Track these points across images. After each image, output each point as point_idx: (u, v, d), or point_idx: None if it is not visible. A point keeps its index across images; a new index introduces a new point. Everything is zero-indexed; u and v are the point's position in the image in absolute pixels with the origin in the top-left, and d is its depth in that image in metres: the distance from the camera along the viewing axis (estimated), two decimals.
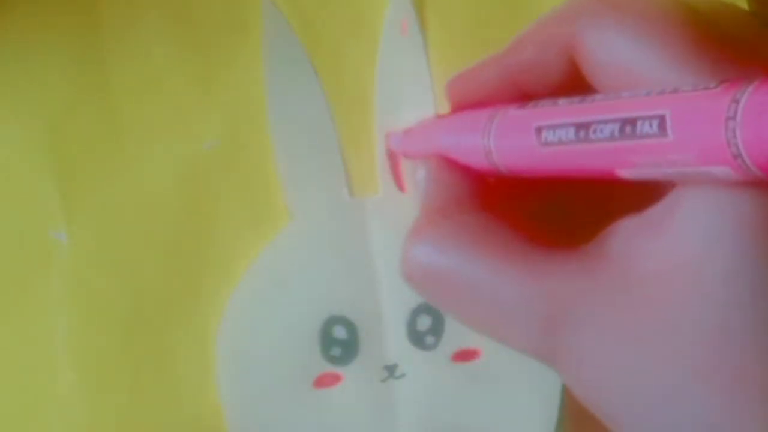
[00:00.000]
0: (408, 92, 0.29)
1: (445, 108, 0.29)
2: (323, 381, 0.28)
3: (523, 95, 0.24)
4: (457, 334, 0.28)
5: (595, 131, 0.21)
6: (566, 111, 0.22)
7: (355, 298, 0.28)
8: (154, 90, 0.28)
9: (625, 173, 0.21)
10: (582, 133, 0.21)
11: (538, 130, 0.22)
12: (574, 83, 0.23)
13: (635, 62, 0.21)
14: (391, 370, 0.28)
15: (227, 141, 0.28)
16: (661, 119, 0.19)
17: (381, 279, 0.28)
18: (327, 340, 0.28)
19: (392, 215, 0.28)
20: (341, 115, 0.28)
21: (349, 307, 0.28)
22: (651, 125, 0.20)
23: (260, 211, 0.28)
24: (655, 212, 0.21)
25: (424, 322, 0.28)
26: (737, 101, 0.18)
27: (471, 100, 0.25)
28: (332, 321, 0.28)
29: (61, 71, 0.28)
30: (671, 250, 0.20)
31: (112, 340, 0.27)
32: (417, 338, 0.28)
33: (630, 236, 0.21)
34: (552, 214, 0.24)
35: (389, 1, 0.29)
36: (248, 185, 0.28)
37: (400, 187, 0.29)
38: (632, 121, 0.20)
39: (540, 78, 0.24)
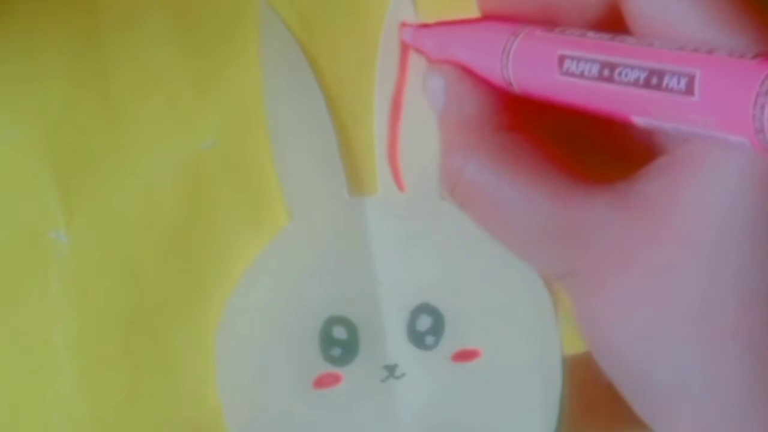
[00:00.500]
0: (408, 91, 0.29)
1: None
2: (323, 381, 0.28)
3: (556, 23, 0.24)
4: (457, 335, 0.28)
5: (620, 73, 0.21)
6: (594, 45, 0.22)
7: (355, 298, 0.28)
8: (154, 90, 0.28)
9: (641, 121, 0.21)
10: (606, 72, 0.21)
11: (561, 58, 0.22)
12: (611, 23, 0.23)
13: (677, 12, 0.21)
14: (391, 370, 0.28)
15: (226, 141, 0.28)
16: (690, 78, 0.19)
17: (381, 279, 0.28)
18: (327, 341, 0.28)
19: (392, 214, 0.28)
20: (340, 113, 0.28)
21: (349, 307, 0.28)
22: (679, 81, 0.20)
23: (260, 210, 0.28)
24: (682, 156, 0.22)
25: (424, 322, 0.28)
26: None
27: (499, 14, 0.26)
28: (332, 321, 0.28)
29: (61, 71, 0.28)
30: (695, 198, 0.21)
31: (112, 340, 0.27)
32: (417, 338, 0.28)
33: (658, 177, 0.22)
34: (574, 141, 0.24)
35: (390, 1, 0.29)
36: (248, 185, 0.28)
37: (399, 186, 0.28)
38: (660, 73, 0.20)
39: (577, 10, 0.24)
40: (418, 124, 0.28)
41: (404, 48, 0.28)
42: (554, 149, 0.24)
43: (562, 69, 0.22)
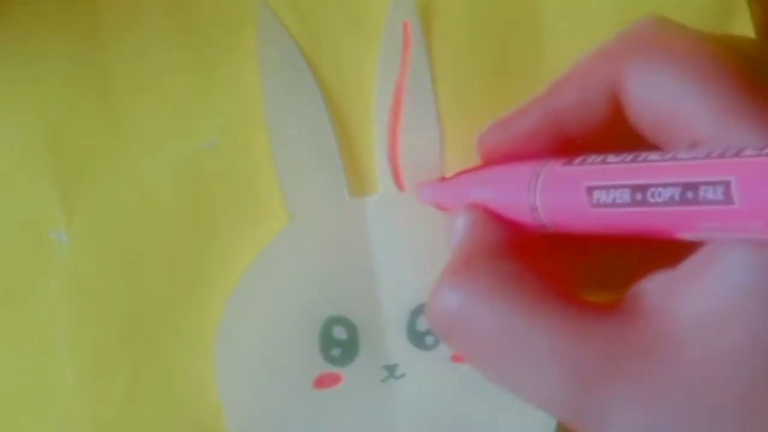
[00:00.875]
0: (408, 91, 0.29)
1: (446, 107, 0.29)
2: (323, 381, 0.28)
3: (565, 140, 0.24)
4: None
5: (653, 195, 0.20)
6: (619, 171, 0.21)
7: (355, 299, 0.28)
8: (153, 90, 0.28)
9: (687, 236, 0.21)
10: (639, 196, 0.20)
11: (589, 190, 0.22)
12: (618, 126, 0.22)
13: (681, 108, 0.21)
14: (391, 370, 0.28)
15: (226, 141, 0.28)
16: (727, 185, 0.19)
17: (381, 279, 0.28)
18: (327, 341, 0.28)
19: (392, 214, 0.28)
20: (340, 113, 0.28)
21: (349, 307, 0.28)
22: (715, 191, 0.19)
23: (259, 210, 0.28)
24: (689, 266, 0.21)
25: (424, 322, 0.28)
26: None
27: (508, 149, 0.25)
28: (332, 321, 0.28)
29: (61, 72, 0.28)
30: (706, 305, 0.20)
31: (112, 340, 0.27)
32: (417, 338, 0.28)
33: (664, 291, 0.21)
34: (582, 265, 0.24)
35: (391, 1, 0.29)
36: (247, 185, 0.28)
37: (399, 186, 0.28)
38: (694, 186, 0.19)
39: (584, 120, 0.23)
40: (419, 124, 0.28)
41: (405, 48, 0.28)
42: (560, 274, 0.23)
43: (592, 201, 0.22)
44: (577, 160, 0.23)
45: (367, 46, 0.29)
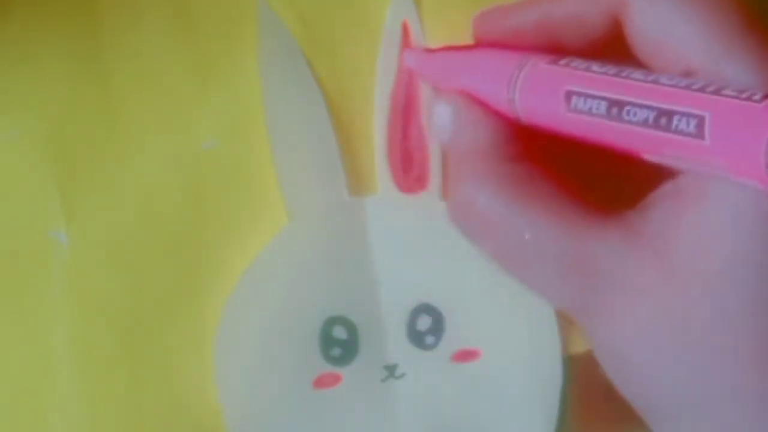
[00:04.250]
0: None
1: None
2: (323, 381, 0.28)
3: (557, 45, 0.24)
4: (457, 335, 0.28)
5: (628, 113, 0.21)
6: (600, 82, 0.22)
7: (354, 298, 0.28)
8: (153, 90, 0.28)
9: (653, 158, 0.21)
10: (614, 111, 0.21)
11: (568, 94, 0.22)
12: (614, 44, 0.23)
13: (681, 36, 0.21)
14: (391, 370, 0.28)
15: (226, 141, 0.28)
16: (700, 120, 0.19)
17: (381, 278, 0.28)
18: (327, 341, 0.28)
19: (392, 214, 0.28)
20: (340, 113, 0.28)
21: (348, 307, 0.28)
22: (688, 123, 0.20)
23: (259, 210, 0.28)
24: (689, 183, 0.21)
25: (424, 322, 0.28)
26: None
27: (498, 38, 0.25)
28: (332, 321, 0.28)
29: (61, 72, 0.28)
30: (705, 226, 0.21)
31: (112, 340, 0.27)
32: (417, 338, 0.28)
33: (666, 206, 0.22)
34: (583, 170, 0.24)
35: (391, 1, 0.29)
36: (247, 185, 0.28)
37: (399, 186, 0.28)
38: (669, 114, 0.20)
39: (579, 32, 0.24)
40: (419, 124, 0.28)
41: (405, 47, 0.28)
42: (564, 180, 0.24)
43: (569, 105, 0.22)
44: (562, 61, 0.23)
45: (368, 46, 0.29)
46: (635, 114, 0.21)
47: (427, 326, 0.28)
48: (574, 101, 0.22)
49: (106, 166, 0.28)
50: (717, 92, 0.20)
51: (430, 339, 0.28)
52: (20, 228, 0.27)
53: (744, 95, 0.19)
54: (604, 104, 0.21)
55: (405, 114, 0.28)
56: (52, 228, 0.27)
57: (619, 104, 0.21)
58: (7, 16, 0.27)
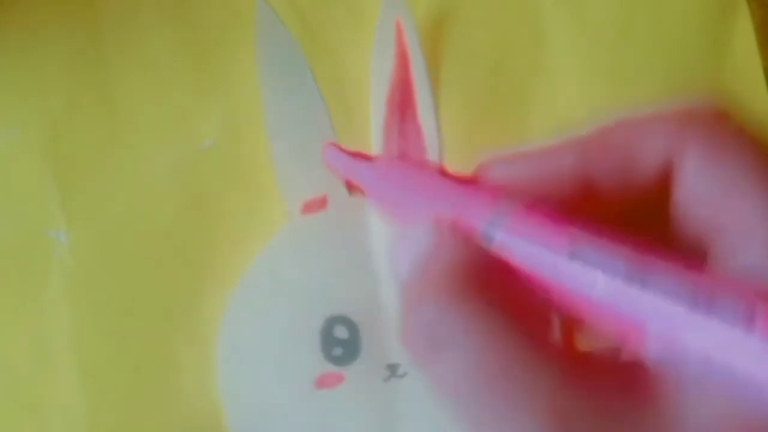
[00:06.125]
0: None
1: (443, 105, 0.29)
2: (325, 381, 0.28)
3: (593, 197, 0.21)
4: None
5: (654, 282, 0.18)
6: (613, 243, 0.19)
7: (355, 297, 0.28)
8: (153, 90, 0.28)
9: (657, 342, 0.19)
10: (635, 275, 0.18)
11: (574, 242, 0.19)
12: (658, 199, 0.20)
13: (734, 204, 0.19)
14: (393, 369, 0.28)
15: (226, 141, 0.28)
16: (749, 308, 0.17)
17: (381, 277, 0.28)
18: (328, 340, 0.28)
19: None
20: (339, 113, 0.28)
21: (349, 306, 0.28)
22: (735, 310, 0.17)
23: (260, 210, 0.28)
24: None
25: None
26: None
27: (524, 185, 0.22)
28: (333, 321, 0.28)
29: (61, 71, 0.28)
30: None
31: (112, 340, 0.27)
32: None
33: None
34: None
35: (383, 0, 0.29)
36: (247, 185, 0.28)
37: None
38: (710, 295, 0.17)
39: (619, 185, 0.21)
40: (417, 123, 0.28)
41: (399, 48, 0.28)
42: (533, 312, 0.21)
43: (574, 254, 0.19)
44: (566, 214, 0.20)
45: (367, 46, 0.29)
46: (663, 283, 0.18)
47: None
48: (581, 252, 0.19)
49: (106, 165, 0.28)
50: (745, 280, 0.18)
51: None
52: (20, 228, 0.27)
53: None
54: (620, 264, 0.19)
55: (401, 111, 0.28)
56: (52, 228, 0.27)
57: (641, 271, 0.18)
58: (7, 17, 0.27)
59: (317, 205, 0.28)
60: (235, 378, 0.27)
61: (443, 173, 0.23)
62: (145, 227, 0.28)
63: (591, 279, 0.19)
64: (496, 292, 0.21)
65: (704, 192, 0.19)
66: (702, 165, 0.19)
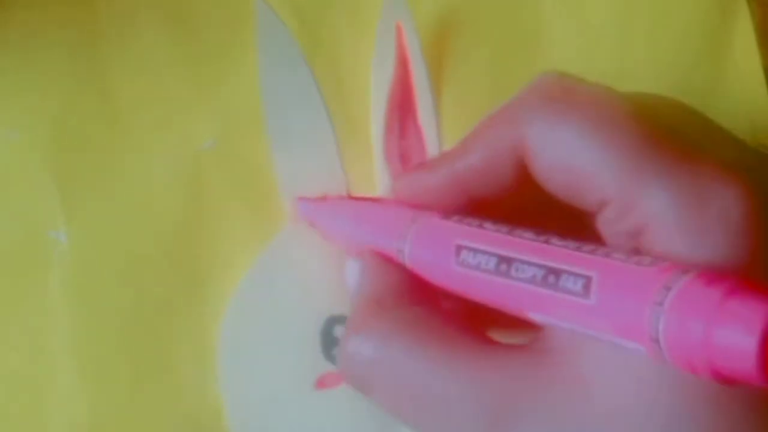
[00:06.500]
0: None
1: (444, 106, 0.29)
2: (325, 381, 0.28)
3: (472, 200, 0.23)
4: None
5: (517, 269, 0.21)
6: (491, 238, 0.22)
7: None
8: (153, 90, 0.28)
9: (536, 317, 0.21)
10: (503, 267, 0.21)
11: (459, 248, 0.22)
12: (529, 188, 0.22)
13: (584, 168, 0.20)
14: None
15: (226, 141, 0.28)
16: (587, 280, 0.19)
17: None
18: (328, 340, 0.28)
19: None
20: (338, 113, 0.28)
21: (349, 306, 0.28)
22: (575, 282, 0.19)
23: (259, 211, 0.28)
24: None
25: None
26: (668, 288, 0.18)
27: (416, 198, 0.25)
28: (333, 321, 0.28)
29: (61, 72, 0.28)
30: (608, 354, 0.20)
31: (112, 339, 0.27)
32: None
33: (570, 334, 0.21)
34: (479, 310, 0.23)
35: (383, 2, 0.29)
36: (247, 185, 0.28)
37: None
38: (557, 272, 0.20)
39: (489, 183, 0.23)
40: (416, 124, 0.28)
41: (399, 50, 0.28)
42: (461, 319, 0.23)
43: (458, 259, 0.22)
44: (455, 217, 0.23)
45: (367, 47, 0.29)
46: (524, 271, 0.21)
47: None
48: (463, 255, 0.22)
49: (106, 165, 0.28)
50: (607, 255, 0.20)
51: None
52: (20, 228, 0.27)
53: (633, 259, 0.19)
54: (493, 260, 0.21)
55: (401, 113, 0.28)
56: (52, 228, 0.27)
57: (508, 261, 0.21)
58: (6, 17, 0.27)
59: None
60: (235, 378, 0.27)
61: (374, 200, 0.27)
62: (144, 227, 0.28)
63: (474, 278, 0.22)
64: (423, 302, 0.23)
65: (553, 158, 0.21)
66: (543, 137, 0.21)
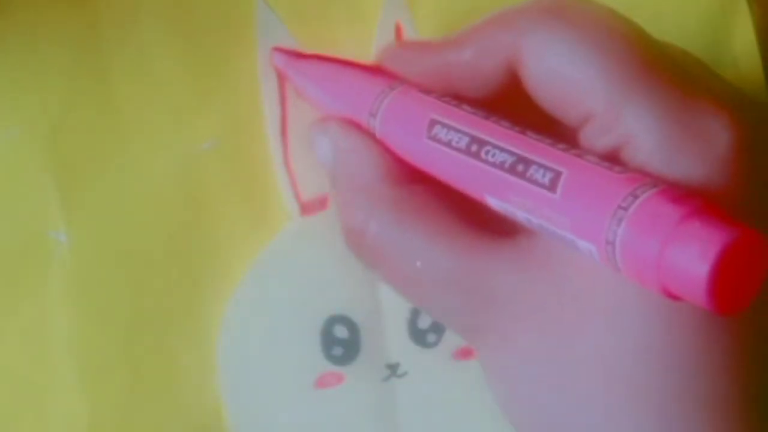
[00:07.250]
0: None
1: None
2: (325, 381, 0.28)
3: (455, 94, 0.24)
4: None
5: (487, 152, 0.21)
6: (468, 119, 0.22)
7: (355, 297, 0.28)
8: (153, 90, 0.28)
9: (494, 203, 0.21)
10: (474, 147, 0.21)
11: (432, 122, 0.22)
12: (516, 97, 0.22)
13: (578, 81, 0.21)
14: (393, 368, 0.28)
15: (226, 141, 0.28)
16: (556, 174, 0.20)
17: None
18: (328, 340, 0.28)
19: None
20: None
21: (349, 305, 0.28)
22: (544, 175, 0.20)
23: (260, 210, 0.28)
24: None
25: (426, 320, 0.28)
26: (635, 196, 0.18)
27: (401, 77, 0.25)
28: (333, 320, 0.28)
29: (61, 71, 0.28)
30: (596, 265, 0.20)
31: (112, 340, 0.27)
32: (418, 336, 0.28)
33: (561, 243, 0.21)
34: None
35: (382, 1, 0.29)
36: (248, 185, 0.28)
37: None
38: (528, 162, 0.20)
39: (477, 82, 0.23)
40: None
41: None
42: (454, 202, 0.24)
43: (430, 133, 0.22)
44: (434, 95, 0.23)
45: (367, 46, 0.29)
46: (494, 155, 0.21)
47: (428, 324, 0.28)
48: (436, 130, 0.22)
49: (106, 165, 0.27)
50: (580, 155, 0.20)
51: (431, 337, 0.28)
52: (20, 228, 0.27)
53: (605, 164, 0.19)
54: (465, 139, 0.21)
55: None
56: (52, 228, 0.27)
57: (481, 142, 0.21)
58: (7, 17, 0.27)
59: (317, 205, 0.28)
60: (235, 378, 0.28)
61: (354, 64, 0.26)
62: (145, 227, 0.28)
63: (443, 154, 0.22)
64: (411, 181, 0.24)
65: (547, 68, 0.21)
66: (539, 48, 0.21)
